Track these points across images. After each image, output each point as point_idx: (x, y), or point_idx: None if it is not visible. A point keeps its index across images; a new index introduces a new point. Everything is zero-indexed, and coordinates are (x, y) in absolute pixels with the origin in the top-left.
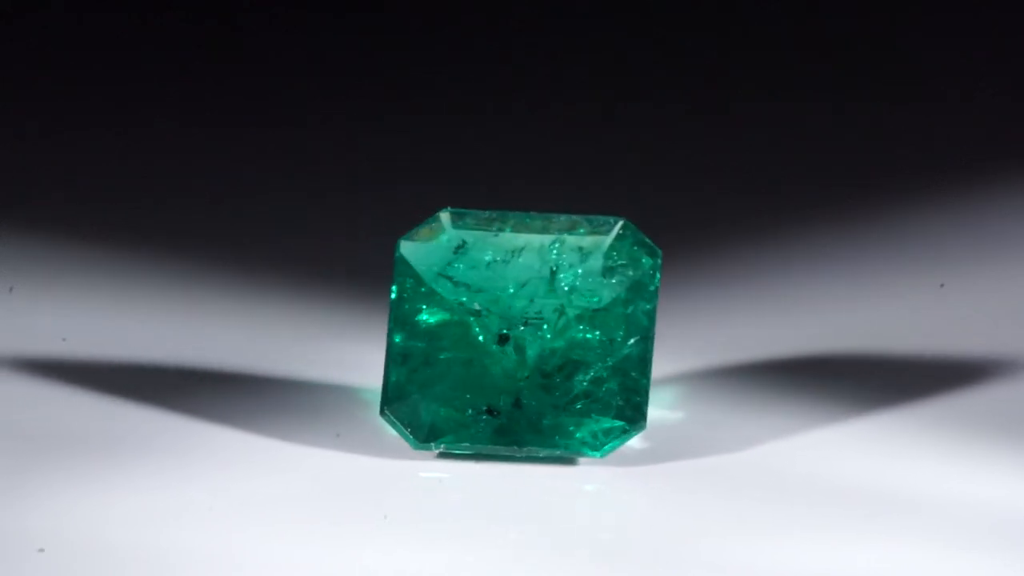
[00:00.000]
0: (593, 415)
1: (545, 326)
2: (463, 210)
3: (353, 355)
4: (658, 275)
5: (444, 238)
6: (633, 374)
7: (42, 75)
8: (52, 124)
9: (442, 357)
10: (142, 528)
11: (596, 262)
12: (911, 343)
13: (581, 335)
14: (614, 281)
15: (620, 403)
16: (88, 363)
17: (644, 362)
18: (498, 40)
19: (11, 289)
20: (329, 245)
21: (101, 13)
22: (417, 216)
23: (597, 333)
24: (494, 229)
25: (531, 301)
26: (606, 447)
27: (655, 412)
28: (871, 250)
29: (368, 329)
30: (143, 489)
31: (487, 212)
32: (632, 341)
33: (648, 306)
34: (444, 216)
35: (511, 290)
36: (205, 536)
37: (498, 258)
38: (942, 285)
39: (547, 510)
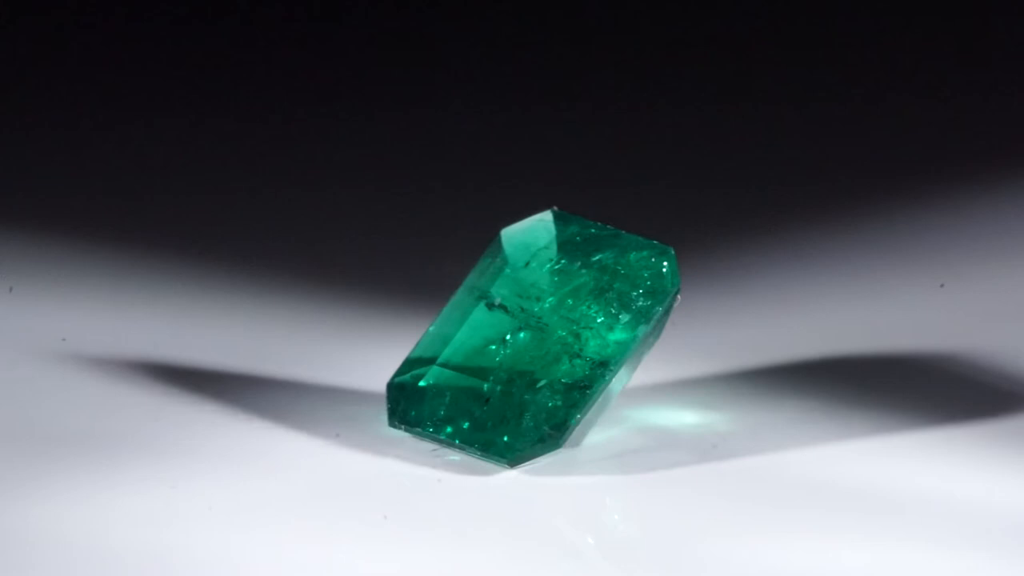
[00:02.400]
0: (526, 425)
1: (541, 332)
2: (565, 214)
3: (354, 356)
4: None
5: (537, 237)
6: (577, 396)
7: (43, 75)
8: (57, 124)
9: (454, 343)
10: (142, 528)
11: (631, 290)
12: (911, 343)
13: (570, 350)
14: (635, 308)
15: (550, 420)
16: (88, 363)
17: (598, 390)
18: (497, 38)
19: (11, 289)
20: (330, 246)
21: (106, 14)
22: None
23: (586, 352)
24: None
25: (544, 305)
26: (520, 456)
27: (658, 414)
28: (871, 250)
29: (373, 330)
30: (143, 489)
31: (578, 221)
32: (606, 368)
33: (635, 343)
34: (547, 217)
35: (538, 287)
36: (204, 536)
37: (556, 266)
38: (942, 285)
39: (547, 511)
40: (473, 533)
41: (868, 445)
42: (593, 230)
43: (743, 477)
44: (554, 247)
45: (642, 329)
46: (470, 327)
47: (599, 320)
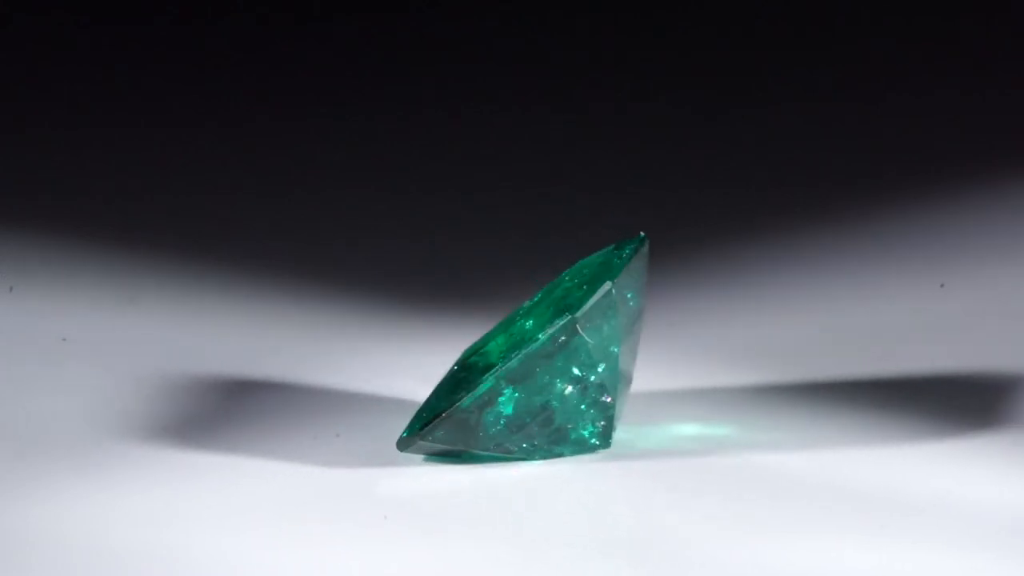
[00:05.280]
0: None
1: (511, 336)
2: (631, 242)
3: (355, 358)
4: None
5: (605, 256)
6: (459, 395)
7: (43, 75)
8: (58, 124)
9: (476, 343)
10: (142, 528)
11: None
12: (911, 343)
13: (493, 355)
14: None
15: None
16: (88, 363)
17: (469, 393)
18: (490, 40)
19: (11, 289)
20: (337, 248)
21: (106, 14)
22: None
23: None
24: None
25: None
26: (403, 444)
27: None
28: (871, 250)
29: (374, 333)
30: (143, 490)
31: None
32: (492, 373)
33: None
34: (643, 240)
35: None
36: (204, 536)
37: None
38: (942, 285)
39: (546, 511)
40: (472, 533)
41: (869, 446)
42: (630, 257)
43: (744, 478)
44: (595, 267)
45: (523, 350)
46: (494, 329)
47: (534, 333)
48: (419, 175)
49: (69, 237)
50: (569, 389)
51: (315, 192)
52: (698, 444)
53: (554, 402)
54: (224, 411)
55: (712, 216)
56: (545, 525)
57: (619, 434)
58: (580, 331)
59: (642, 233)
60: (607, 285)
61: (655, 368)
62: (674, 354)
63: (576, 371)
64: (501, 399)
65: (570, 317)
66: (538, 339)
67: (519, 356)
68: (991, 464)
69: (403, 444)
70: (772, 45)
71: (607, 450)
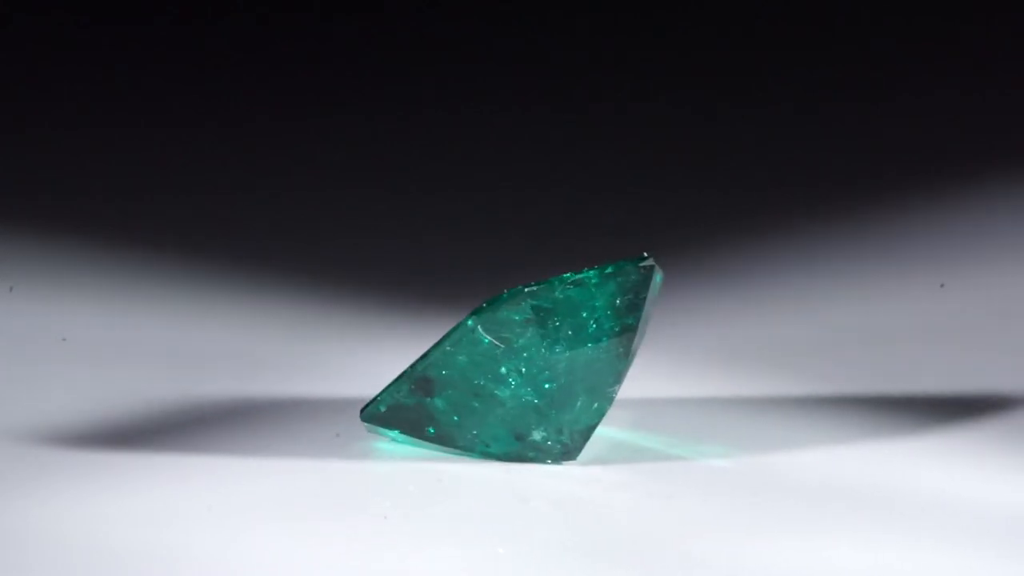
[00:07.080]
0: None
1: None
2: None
3: (357, 359)
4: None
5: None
6: (411, 389)
7: (43, 75)
8: (58, 124)
9: None
10: (142, 528)
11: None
12: (911, 343)
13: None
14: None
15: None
16: (88, 363)
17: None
18: (490, 40)
19: (11, 289)
20: (339, 249)
21: (107, 14)
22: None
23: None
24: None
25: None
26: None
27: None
28: (871, 250)
29: (375, 333)
30: (143, 490)
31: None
32: (415, 363)
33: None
34: (637, 262)
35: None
36: (204, 536)
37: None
38: (942, 285)
39: (544, 510)
40: (471, 533)
41: (866, 445)
42: (598, 275)
43: (741, 479)
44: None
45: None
46: None
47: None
48: (419, 175)
49: (69, 237)
50: (501, 391)
51: (315, 192)
52: (694, 445)
53: (490, 399)
54: (224, 411)
55: (712, 216)
56: (540, 525)
57: (615, 436)
58: (482, 331)
59: (645, 254)
60: (522, 294)
61: (654, 369)
62: (673, 354)
63: (505, 372)
64: (433, 388)
65: (474, 318)
66: (449, 335)
67: (432, 348)
68: (990, 464)
69: (369, 430)
70: (772, 45)
71: (601, 452)
